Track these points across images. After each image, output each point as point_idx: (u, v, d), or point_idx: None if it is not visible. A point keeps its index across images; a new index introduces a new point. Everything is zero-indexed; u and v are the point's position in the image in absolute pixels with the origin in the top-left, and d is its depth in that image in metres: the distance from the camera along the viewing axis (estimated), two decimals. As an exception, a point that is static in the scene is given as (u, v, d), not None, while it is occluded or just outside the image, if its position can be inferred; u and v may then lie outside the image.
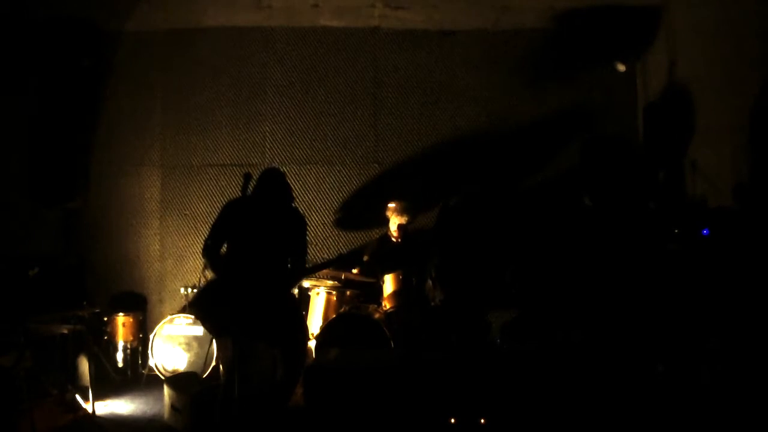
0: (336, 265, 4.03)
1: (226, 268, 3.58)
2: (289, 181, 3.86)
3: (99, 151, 5.94)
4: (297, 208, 3.89)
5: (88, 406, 4.28)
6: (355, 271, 5.24)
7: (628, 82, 5.93)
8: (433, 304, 4.81)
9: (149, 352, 5.03)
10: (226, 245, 3.66)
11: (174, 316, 5.11)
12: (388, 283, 4.94)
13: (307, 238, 3.89)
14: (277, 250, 3.67)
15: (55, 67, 5.54)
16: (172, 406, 4.06)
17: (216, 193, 5.92)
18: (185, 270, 5.85)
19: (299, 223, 3.81)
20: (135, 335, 5.33)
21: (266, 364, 3.71)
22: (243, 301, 3.45)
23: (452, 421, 3.49)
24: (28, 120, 5.40)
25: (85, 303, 4.69)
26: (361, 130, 5.99)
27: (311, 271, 4.12)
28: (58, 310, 4.51)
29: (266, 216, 3.67)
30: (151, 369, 5.09)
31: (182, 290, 5.38)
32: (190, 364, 4.98)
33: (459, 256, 4.00)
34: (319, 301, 5.06)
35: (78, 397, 4.31)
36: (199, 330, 4.99)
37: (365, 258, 5.37)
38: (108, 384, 4.97)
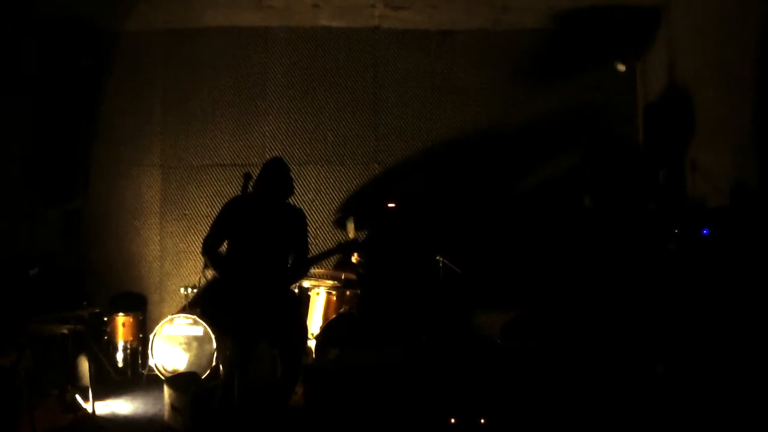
0: (336, 252, 4.05)
1: (227, 266, 3.59)
2: (291, 173, 3.81)
3: (99, 151, 5.94)
4: (294, 204, 3.88)
5: (88, 406, 4.28)
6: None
7: (628, 82, 5.92)
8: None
9: (149, 352, 5.03)
10: (226, 243, 3.66)
11: (174, 316, 5.11)
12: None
13: (309, 232, 3.88)
14: (278, 247, 3.66)
15: (55, 66, 5.55)
16: (172, 406, 4.06)
17: (216, 193, 5.91)
18: (185, 270, 5.85)
19: (299, 218, 3.79)
20: (135, 335, 5.33)
21: (266, 363, 3.72)
22: (243, 300, 3.46)
23: (452, 421, 3.50)
24: (28, 120, 5.40)
25: (85, 303, 4.68)
26: (361, 130, 5.99)
27: (313, 262, 4.10)
28: (58, 310, 4.51)
29: (266, 213, 3.66)
30: (151, 369, 5.09)
31: (182, 290, 5.38)
32: (190, 364, 4.98)
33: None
34: (319, 301, 5.06)
35: (78, 397, 4.30)
36: (199, 330, 4.99)
37: None
38: (108, 384, 4.96)
